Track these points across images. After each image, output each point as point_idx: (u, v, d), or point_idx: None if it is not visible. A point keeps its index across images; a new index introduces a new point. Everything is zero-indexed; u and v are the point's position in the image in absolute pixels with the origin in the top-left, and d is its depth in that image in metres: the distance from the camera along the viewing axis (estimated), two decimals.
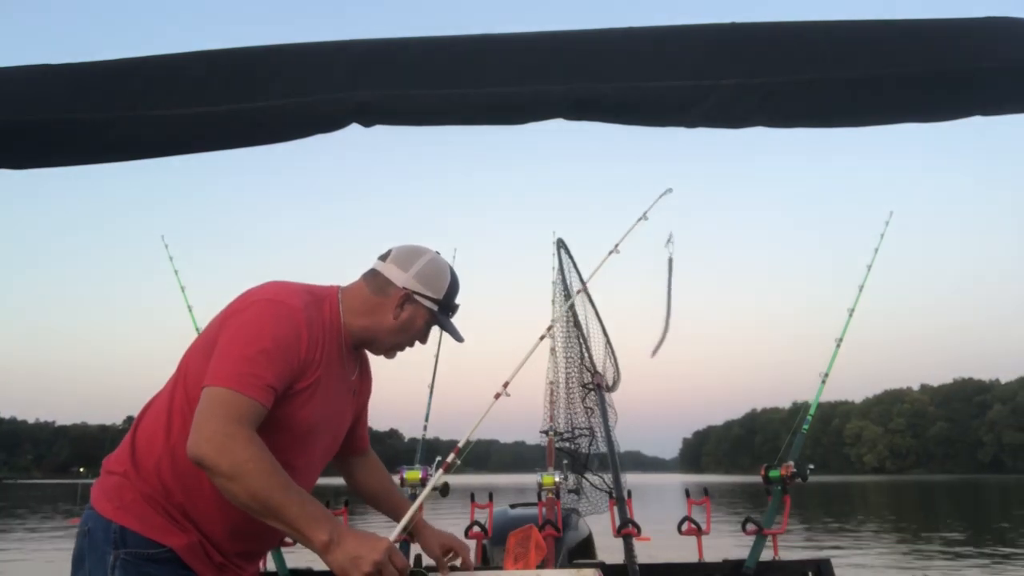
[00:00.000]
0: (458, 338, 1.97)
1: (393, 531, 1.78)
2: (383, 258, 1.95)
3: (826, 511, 26.97)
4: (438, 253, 1.99)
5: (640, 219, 2.42)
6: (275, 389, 1.68)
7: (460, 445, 1.90)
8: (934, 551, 14.05)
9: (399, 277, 1.90)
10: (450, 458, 1.93)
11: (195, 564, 1.74)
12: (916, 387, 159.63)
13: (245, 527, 1.77)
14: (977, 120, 2.15)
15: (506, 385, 1.95)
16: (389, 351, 1.96)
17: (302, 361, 1.73)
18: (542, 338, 2.15)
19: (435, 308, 1.92)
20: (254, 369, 1.65)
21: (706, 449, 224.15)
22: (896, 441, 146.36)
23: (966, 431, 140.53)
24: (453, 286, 1.95)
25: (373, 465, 2.23)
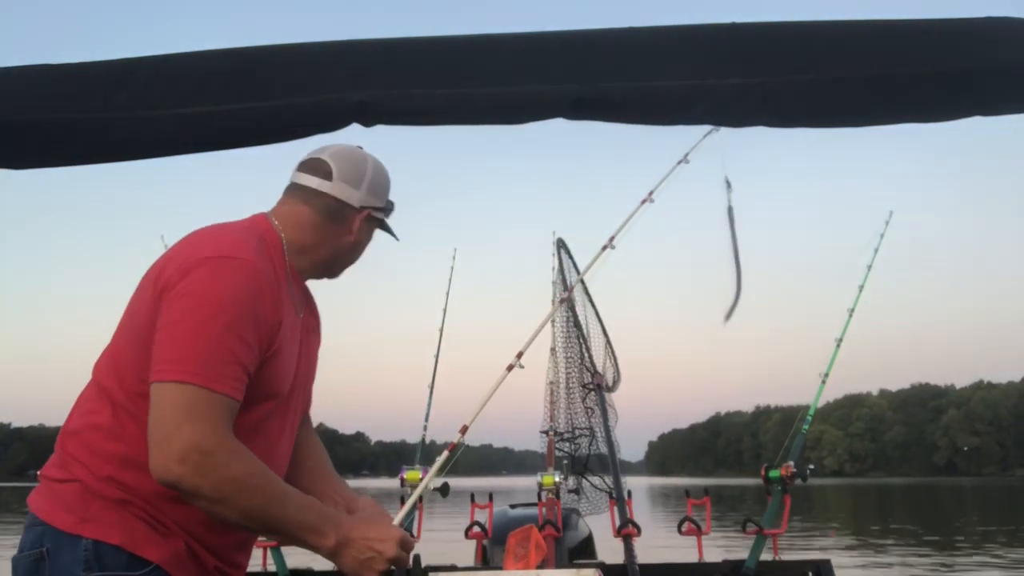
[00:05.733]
0: (396, 236, 1.76)
1: (396, 517, 1.60)
2: (324, 174, 1.63)
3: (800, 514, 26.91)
4: (361, 147, 1.75)
5: (681, 162, 2.16)
6: (249, 374, 1.39)
7: (469, 423, 1.69)
8: (913, 554, 14.05)
9: (354, 197, 1.63)
10: (457, 439, 1.73)
11: None
12: (875, 392, 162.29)
13: None
14: (977, 120, 2.15)
15: (520, 356, 1.76)
16: (343, 268, 1.72)
17: (269, 324, 1.43)
18: (562, 302, 2.03)
19: (382, 216, 1.71)
20: (221, 354, 1.33)
21: (671, 452, 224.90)
22: (855, 445, 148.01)
23: (922, 435, 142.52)
24: (388, 181, 1.74)
25: (312, 441, 1.78)
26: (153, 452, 1.30)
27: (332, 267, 1.69)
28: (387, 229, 1.75)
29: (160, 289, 1.41)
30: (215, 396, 1.32)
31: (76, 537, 1.37)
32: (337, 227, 1.64)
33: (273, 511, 1.33)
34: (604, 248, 1.92)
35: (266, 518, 1.33)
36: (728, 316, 2.18)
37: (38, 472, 1.49)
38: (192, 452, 1.27)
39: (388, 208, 1.73)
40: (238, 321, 1.36)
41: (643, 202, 2.09)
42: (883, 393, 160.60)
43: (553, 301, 3.96)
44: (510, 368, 1.72)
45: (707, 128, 2.17)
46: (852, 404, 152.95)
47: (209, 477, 1.28)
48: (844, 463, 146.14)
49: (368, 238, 1.71)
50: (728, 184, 2.20)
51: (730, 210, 2.20)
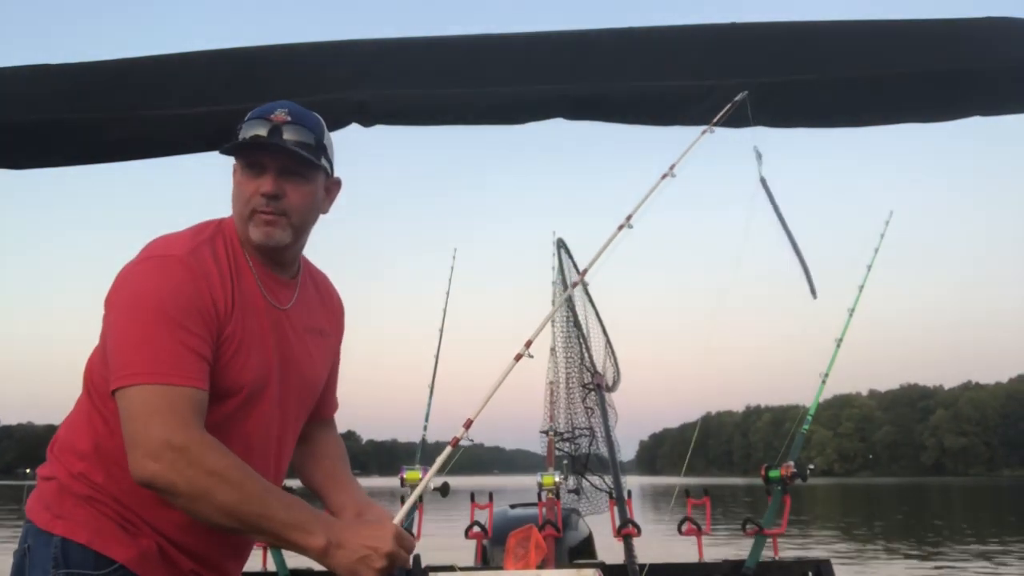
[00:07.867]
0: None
1: (397, 515, 1.49)
2: None
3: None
4: None
5: (705, 131, 1.99)
6: (205, 359, 1.36)
7: (473, 416, 1.58)
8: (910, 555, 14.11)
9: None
10: (461, 433, 1.61)
11: None
12: (864, 392, 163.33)
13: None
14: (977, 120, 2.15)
15: (529, 344, 1.63)
16: (253, 227, 1.49)
17: (210, 312, 1.39)
18: (575, 284, 1.78)
19: (235, 147, 1.53)
20: (165, 348, 1.32)
21: (661, 452, 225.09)
22: (844, 445, 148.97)
23: (910, 435, 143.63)
24: (247, 117, 1.55)
25: (331, 440, 1.78)
26: (128, 456, 1.30)
27: (243, 232, 1.51)
28: (238, 147, 1.54)
29: (106, 302, 1.43)
30: (174, 390, 1.30)
31: (48, 534, 1.41)
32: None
33: (253, 507, 1.28)
34: (621, 227, 1.76)
35: (247, 515, 1.29)
36: (813, 291, 2.13)
37: (37, 471, 1.52)
38: (163, 449, 1.26)
39: (238, 132, 1.54)
40: (173, 313, 1.34)
41: (664, 177, 1.90)
42: (872, 393, 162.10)
43: (553, 301, 3.96)
44: (518, 357, 1.61)
45: (740, 94, 2.04)
46: (841, 404, 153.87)
47: (184, 473, 1.26)
48: (833, 463, 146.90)
49: (240, 186, 1.52)
50: (758, 155, 2.07)
51: (763, 181, 2.07)
